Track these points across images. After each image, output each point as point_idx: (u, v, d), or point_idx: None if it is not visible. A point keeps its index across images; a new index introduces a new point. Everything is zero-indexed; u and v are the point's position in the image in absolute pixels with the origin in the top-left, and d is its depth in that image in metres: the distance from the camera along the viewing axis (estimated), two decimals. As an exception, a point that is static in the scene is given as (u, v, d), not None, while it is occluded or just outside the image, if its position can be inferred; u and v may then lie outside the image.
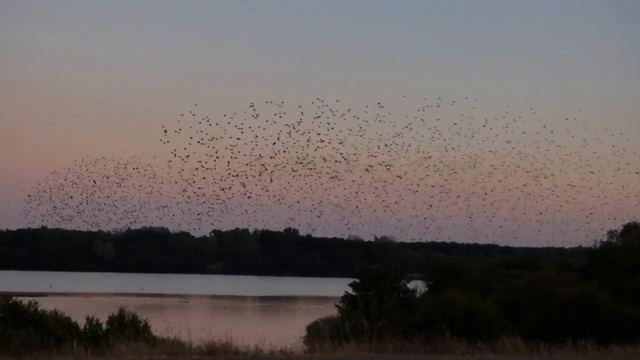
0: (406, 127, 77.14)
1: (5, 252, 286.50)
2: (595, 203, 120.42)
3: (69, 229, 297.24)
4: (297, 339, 47.87)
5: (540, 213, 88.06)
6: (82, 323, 44.11)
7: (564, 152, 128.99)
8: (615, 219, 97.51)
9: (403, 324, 45.52)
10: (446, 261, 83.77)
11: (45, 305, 44.47)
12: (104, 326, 44.57)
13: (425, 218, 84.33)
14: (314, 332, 58.13)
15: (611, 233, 76.74)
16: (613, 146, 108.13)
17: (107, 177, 77.53)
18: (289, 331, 64.72)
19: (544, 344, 39.60)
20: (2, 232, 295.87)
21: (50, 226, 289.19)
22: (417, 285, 70.07)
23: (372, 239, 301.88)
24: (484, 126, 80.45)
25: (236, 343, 35.64)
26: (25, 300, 42.45)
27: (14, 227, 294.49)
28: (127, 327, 43.97)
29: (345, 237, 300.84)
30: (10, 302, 41.18)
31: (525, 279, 57.65)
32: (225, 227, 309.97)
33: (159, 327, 43.94)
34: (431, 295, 62.23)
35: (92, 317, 44.63)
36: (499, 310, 48.60)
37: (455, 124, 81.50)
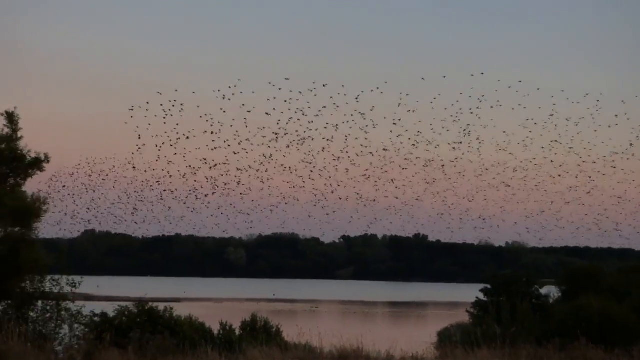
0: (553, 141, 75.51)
1: (142, 259, 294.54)
2: None
3: (202, 236, 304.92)
4: (428, 345, 47.51)
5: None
6: (215, 328, 44.84)
7: None
8: None
9: (536, 330, 44.73)
10: (580, 266, 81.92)
11: (180, 310, 45.36)
12: (237, 331, 45.18)
13: (558, 220, 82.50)
14: (445, 338, 57.66)
15: None
16: None
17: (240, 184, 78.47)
18: (419, 337, 64.30)
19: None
20: (137, 239, 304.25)
21: (184, 233, 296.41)
22: (550, 291, 68.72)
23: (503, 244, 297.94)
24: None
25: (367, 348, 35.58)
26: (161, 306, 43.36)
27: (149, 235, 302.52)
28: (259, 332, 44.47)
29: (476, 243, 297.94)
30: (146, 307, 42.12)
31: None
32: (355, 232, 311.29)
33: (290, 332, 44.29)
34: (565, 301, 60.95)
35: (226, 322, 45.32)
36: (636, 316, 47.23)
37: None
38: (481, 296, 64.32)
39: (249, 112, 67.09)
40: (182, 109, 68.77)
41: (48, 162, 45.05)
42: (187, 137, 70.25)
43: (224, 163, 78.24)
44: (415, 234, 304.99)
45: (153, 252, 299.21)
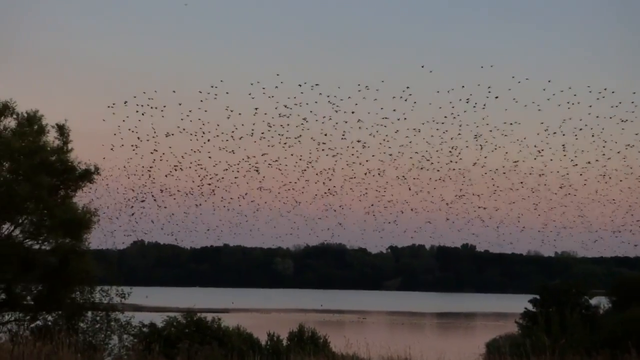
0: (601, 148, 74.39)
1: (190, 270, 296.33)
2: None
3: (250, 246, 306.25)
4: (477, 356, 47.32)
5: None
6: (263, 339, 44.97)
7: None
8: None
9: (586, 342, 44.24)
10: (630, 276, 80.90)
11: (228, 321, 45.56)
12: (284, 342, 45.27)
13: (613, 232, 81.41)
14: (494, 349, 57.21)
15: None
16: None
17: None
18: (468, 348, 64.00)
19: None
20: (186, 250, 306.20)
21: (232, 244, 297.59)
22: (600, 302, 67.94)
23: (552, 254, 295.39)
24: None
25: (415, 359, 35.52)
26: (209, 317, 43.62)
27: (198, 245, 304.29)
28: (306, 343, 44.49)
29: (524, 253, 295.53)
30: (195, 318, 42.40)
31: None
32: (402, 243, 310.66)
33: (338, 343, 44.29)
34: (615, 312, 60.24)
35: (273, 333, 45.43)
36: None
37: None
38: (530, 307, 63.78)
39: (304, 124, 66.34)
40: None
41: (98, 173, 45.61)
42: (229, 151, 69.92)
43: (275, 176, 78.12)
44: (463, 244, 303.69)
45: (201, 262, 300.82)
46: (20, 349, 30.57)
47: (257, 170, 71.11)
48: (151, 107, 65.28)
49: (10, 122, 44.49)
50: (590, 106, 71.05)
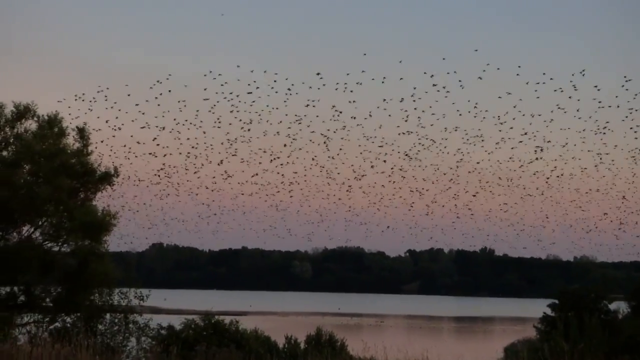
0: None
1: (209, 272, 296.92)
2: None
3: (268, 249, 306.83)
4: (495, 361, 47.24)
5: None
6: (281, 342, 45.02)
7: None
8: None
9: (605, 347, 44.03)
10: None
11: (246, 324, 45.63)
12: (302, 345, 45.30)
13: (634, 236, 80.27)
14: (512, 354, 57.15)
15: None
16: None
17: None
18: (486, 352, 63.87)
19: None
20: (204, 252, 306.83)
21: (250, 246, 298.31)
22: (620, 306, 67.62)
23: (571, 259, 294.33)
24: None
25: (433, 363, 35.45)
26: (227, 320, 43.70)
27: (216, 248, 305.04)
28: (324, 346, 44.48)
29: (543, 257, 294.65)
30: (213, 321, 42.50)
31: None
32: (420, 247, 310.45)
33: (355, 347, 44.27)
34: (635, 317, 59.94)
35: (291, 336, 45.47)
36: None
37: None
38: (548, 311, 63.49)
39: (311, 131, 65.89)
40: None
41: (117, 176, 45.82)
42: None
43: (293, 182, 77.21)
44: (482, 248, 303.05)
45: (219, 265, 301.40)
46: (38, 351, 30.70)
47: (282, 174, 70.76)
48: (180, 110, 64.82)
49: (31, 125, 44.83)
50: (618, 106, 69.55)
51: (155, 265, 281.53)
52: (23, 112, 44.56)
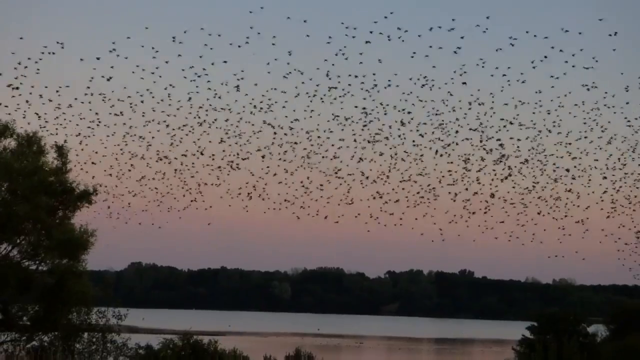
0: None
1: (187, 292, 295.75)
2: None
3: (247, 269, 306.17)
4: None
5: None
6: (260, 362, 44.90)
7: None
8: None
9: (584, 370, 44.15)
10: (629, 304, 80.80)
11: (225, 344, 45.46)
12: (281, 366, 45.20)
13: (618, 259, 79.84)
14: (491, 376, 57.20)
15: None
16: None
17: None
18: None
19: None
20: (183, 272, 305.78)
21: (229, 266, 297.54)
22: (598, 330, 67.83)
23: (550, 282, 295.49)
24: None
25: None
26: (206, 339, 43.54)
27: (195, 268, 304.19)
28: (303, 367, 44.43)
29: (522, 279, 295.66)
30: (191, 341, 42.33)
31: None
32: (400, 268, 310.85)
33: (334, 368, 44.20)
34: (613, 340, 60.10)
35: (270, 356, 45.40)
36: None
37: None
38: (527, 334, 63.64)
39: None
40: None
41: (96, 194, 45.67)
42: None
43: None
44: (461, 270, 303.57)
45: (198, 285, 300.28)
46: (15, 370, 30.46)
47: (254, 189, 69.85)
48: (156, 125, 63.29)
49: (10, 143, 44.65)
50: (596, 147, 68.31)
51: (133, 284, 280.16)
52: (2, 130, 44.38)
